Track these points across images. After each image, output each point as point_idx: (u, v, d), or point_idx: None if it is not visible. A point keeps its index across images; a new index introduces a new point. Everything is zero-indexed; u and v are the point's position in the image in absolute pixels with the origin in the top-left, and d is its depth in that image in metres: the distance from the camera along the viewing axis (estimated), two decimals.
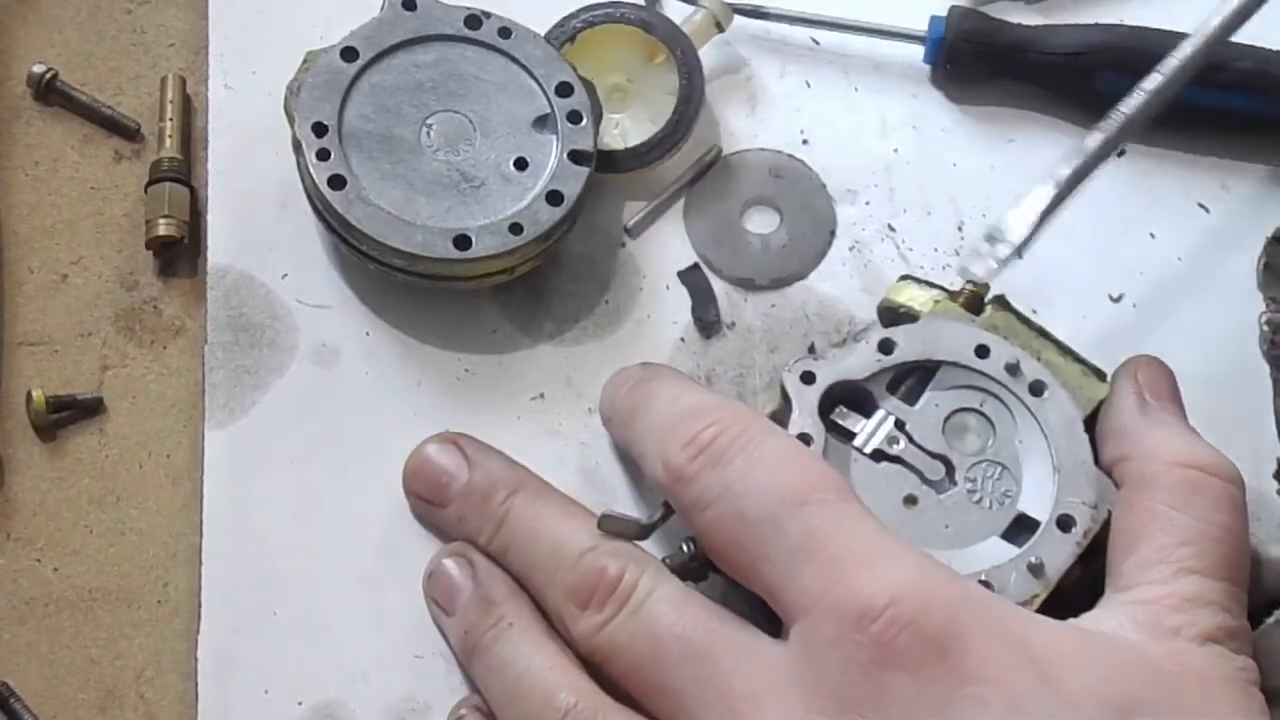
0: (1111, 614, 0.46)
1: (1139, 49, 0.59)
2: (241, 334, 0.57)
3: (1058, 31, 0.62)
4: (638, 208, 0.60)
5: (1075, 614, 0.47)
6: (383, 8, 0.57)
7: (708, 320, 0.58)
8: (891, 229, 0.60)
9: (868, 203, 0.61)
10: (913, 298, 0.54)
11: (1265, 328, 0.56)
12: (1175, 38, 0.57)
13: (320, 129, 0.55)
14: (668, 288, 0.59)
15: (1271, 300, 0.57)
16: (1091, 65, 0.60)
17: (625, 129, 0.59)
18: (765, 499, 0.46)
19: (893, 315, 0.54)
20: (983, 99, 0.63)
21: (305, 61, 0.56)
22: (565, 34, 0.59)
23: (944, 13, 0.62)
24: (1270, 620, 0.48)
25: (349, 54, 0.56)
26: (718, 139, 0.61)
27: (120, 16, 0.62)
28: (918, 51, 0.62)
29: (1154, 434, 0.49)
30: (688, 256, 0.59)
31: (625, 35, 0.60)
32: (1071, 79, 0.61)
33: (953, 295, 0.53)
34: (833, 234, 0.60)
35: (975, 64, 0.62)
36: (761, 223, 0.60)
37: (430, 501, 0.53)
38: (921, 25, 0.62)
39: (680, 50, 0.59)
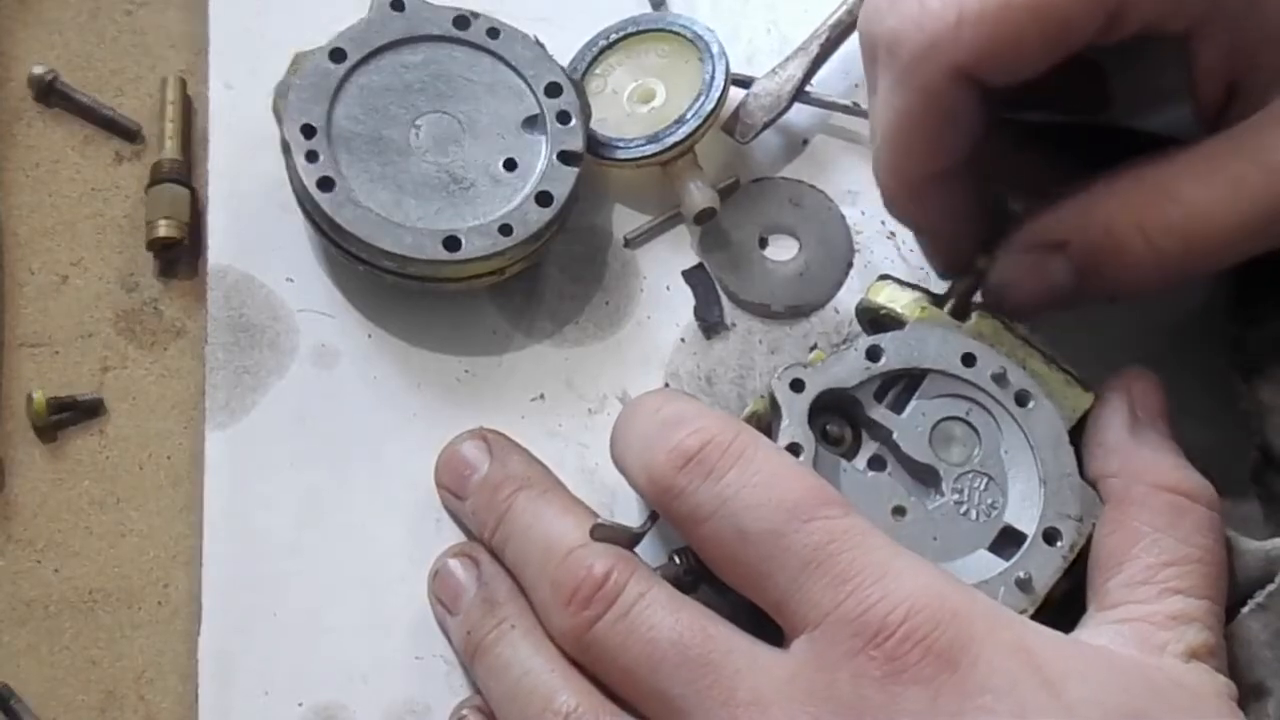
0: (1099, 632, 0.47)
1: None
2: (242, 335, 0.57)
3: None
4: (639, 220, 0.60)
5: (1056, 627, 0.47)
6: (371, 8, 0.57)
7: (711, 321, 0.58)
8: (892, 231, 0.60)
9: (865, 209, 0.60)
10: (892, 298, 0.53)
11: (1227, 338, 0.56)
12: None
13: (309, 131, 0.55)
14: (668, 288, 0.59)
15: (1235, 309, 0.57)
16: None
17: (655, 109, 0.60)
18: (767, 515, 0.46)
19: (872, 315, 0.54)
20: None
21: (293, 63, 0.56)
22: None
23: None
24: (1245, 611, 0.48)
25: (337, 55, 0.56)
26: (735, 168, 0.61)
27: (120, 18, 0.62)
28: None
29: (1142, 455, 0.49)
30: (688, 258, 0.59)
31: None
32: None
33: (935, 298, 0.53)
34: (849, 265, 0.60)
35: None
36: (780, 251, 0.60)
37: (453, 493, 0.54)
38: None
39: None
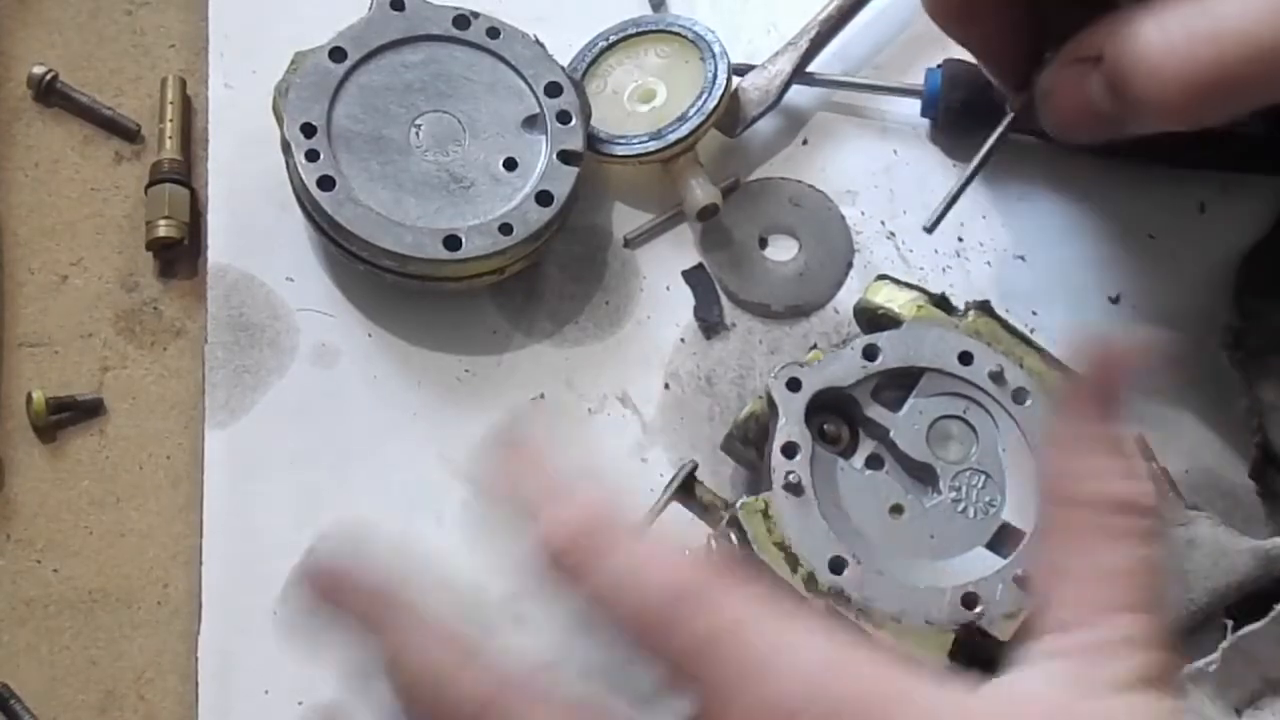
0: (1030, 673, 0.41)
1: None
2: (241, 334, 0.57)
3: None
4: (639, 220, 0.60)
5: None
6: (371, 8, 0.57)
7: (711, 320, 0.58)
8: (892, 232, 0.60)
9: (865, 209, 0.60)
10: (890, 298, 0.53)
11: (1228, 335, 0.56)
12: None
13: (309, 130, 0.55)
14: (668, 288, 0.59)
15: (1237, 306, 0.57)
16: None
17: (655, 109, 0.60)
18: (652, 600, 0.38)
19: (870, 315, 0.54)
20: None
21: (293, 63, 0.56)
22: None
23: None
24: (1269, 618, 0.48)
25: (337, 54, 0.56)
26: (735, 168, 0.61)
27: (120, 18, 0.62)
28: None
29: (1079, 460, 0.42)
30: (688, 258, 0.59)
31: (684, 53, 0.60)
32: None
33: (933, 297, 0.53)
34: (849, 265, 0.60)
35: (968, 122, 0.60)
36: (780, 251, 0.60)
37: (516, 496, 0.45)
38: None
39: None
